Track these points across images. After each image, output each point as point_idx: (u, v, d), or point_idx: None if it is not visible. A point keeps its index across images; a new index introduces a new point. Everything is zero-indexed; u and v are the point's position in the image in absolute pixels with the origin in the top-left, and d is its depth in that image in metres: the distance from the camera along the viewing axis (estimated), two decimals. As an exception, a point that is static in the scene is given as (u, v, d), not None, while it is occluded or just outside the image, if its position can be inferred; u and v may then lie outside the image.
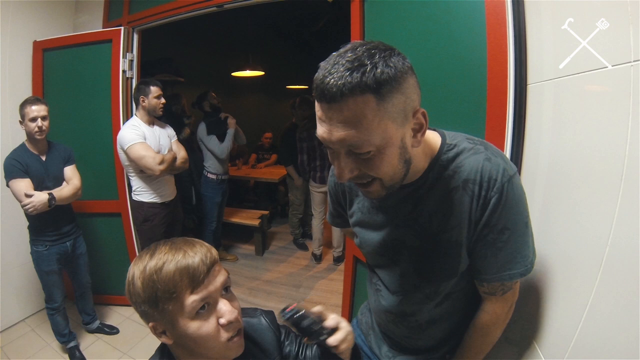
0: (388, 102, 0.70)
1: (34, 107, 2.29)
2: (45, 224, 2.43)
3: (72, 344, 2.71)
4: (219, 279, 0.80)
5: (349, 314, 2.47)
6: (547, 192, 1.14)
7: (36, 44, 3.05)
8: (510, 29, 1.38)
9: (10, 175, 2.27)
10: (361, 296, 2.33)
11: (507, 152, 1.44)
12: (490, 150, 0.89)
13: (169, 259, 0.76)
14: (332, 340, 0.85)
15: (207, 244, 0.83)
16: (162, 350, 0.88)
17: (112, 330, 3.03)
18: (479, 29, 1.46)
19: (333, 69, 0.69)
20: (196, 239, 0.84)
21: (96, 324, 2.99)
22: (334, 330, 0.88)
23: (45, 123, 2.35)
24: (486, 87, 1.47)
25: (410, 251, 1.00)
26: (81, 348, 2.77)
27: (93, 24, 3.21)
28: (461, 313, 1.09)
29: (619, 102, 0.74)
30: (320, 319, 0.89)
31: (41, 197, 2.26)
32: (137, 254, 2.85)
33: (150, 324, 0.79)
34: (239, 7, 2.65)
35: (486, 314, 1.02)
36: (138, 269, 0.77)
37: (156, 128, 2.84)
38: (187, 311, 0.75)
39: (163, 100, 2.75)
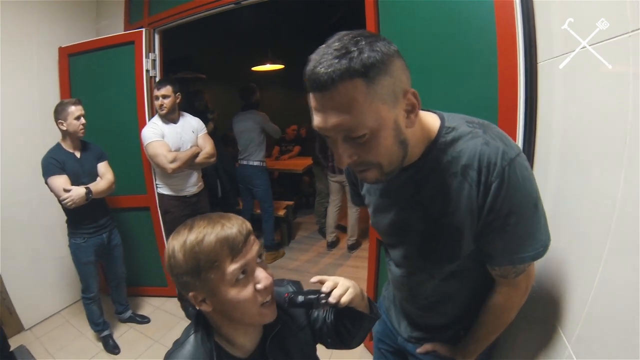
0: (377, 85, 0.72)
1: (78, 107, 2.47)
2: (83, 217, 2.56)
3: (105, 333, 2.84)
4: (255, 248, 0.85)
5: (374, 298, 2.50)
6: (561, 169, 1.15)
7: (62, 50, 3.18)
8: (518, 7, 1.41)
9: (48, 172, 2.40)
10: (385, 279, 2.37)
11: (520, 131, 1.46)
12: (490, 133, 0.88)
13: (209, 232, 0.80)
14: (331, 298, 0.87)
15: (241, 217, 0.87)
16: (198, 318, 0.94)
17: (144, 320, 3.17)
18: (487, 10, 1.50)
19: (322, 59, 0.71)
20: (230, 213, 0.89)
21: (128, 313, 3.13)
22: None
23: (85, 121, 2.51)
24: (497, 67, 1.50)
25: (416, 233, 1.02)
26: (114, 336, 2.90)
27: (114, 28, 3.33)
28: (472, 292, 1.10)
29: (623, 73, 0.76)
30: (314, 290, 0.92)
31: (79, 191, 2.41)
32: (166, 245, 2.97)
33: (191, 294, 0.83)
34: (256, 2, 2.73)
35: (499, 295, 1.03)
36: (178, 243, 0.81)
37: (179, 124, 2.93)
38: (227, 279, 0.80)
39: (160, 101, 2.80)
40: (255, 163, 4.18)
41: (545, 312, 1.11)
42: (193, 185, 3.06)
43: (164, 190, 2.99)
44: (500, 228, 0.88)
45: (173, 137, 2.84)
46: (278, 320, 0.94)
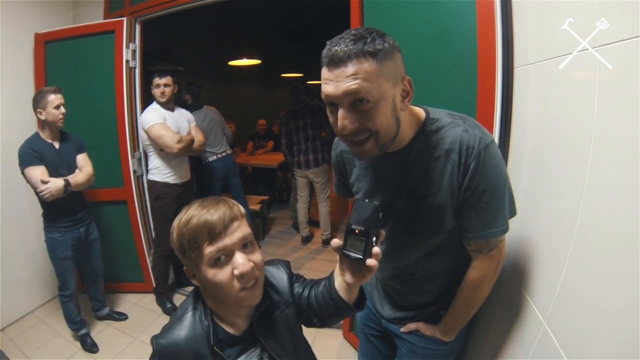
0: (383, 65, 0.86)
1: (58, 95, 2.40)
2: (60, 211, 2.49)
3: (83, 331, 2.76)
4: (237, 234, 0.89)
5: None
6: (532, 164, 1.27)
7: (38, 36, 3.07)
8: (499, 18, 1.51)
9: (25, 163, 2.32)
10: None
11: (497, 129, 1.57)
12: (468, 122, 1.02)
13: (196, 214, 0.88)
14: (375, 249, 0.86)
15: (231, 202, 0.94)
16: (197, 294, 1.01)
17: (121, 317, 3.10)
18: (470, 19, 1.59)
19: (339, 41, 0.86)
20: (226, 198, 0.95)
21: (106, 310, 3.05)
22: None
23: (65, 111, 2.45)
24: (477, 71, 1.61)
25: (400, 213, 1.13)
26: (92, 335, 2.82)
27: (92, 16, 3.24)
28: (453, 271, 1.21)
29: (589, 80, 0.86)
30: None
31: (57, 183, 2.33)
32: (143, 239, 2.96)
33: (185, 267, 0.94)
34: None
35: (475, 270, 1.14)
36: (177, 221, 0.91)
37: (176, 112, 3.04)
38: (205, 259, 0.87)
39: (162, 90, 2.91)
40: (230, 152, 4.26)
41: (519, 291, 1.20)
42: (186, 173, 3.16)
43: (157, 176, 3.00)
44: (475, 204, 1.02)
45: (172, 123, 2.92)
46: (266, 298, 1.00)
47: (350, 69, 0.84)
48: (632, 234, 0.69)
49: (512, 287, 1.24)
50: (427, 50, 1.76)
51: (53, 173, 2.39)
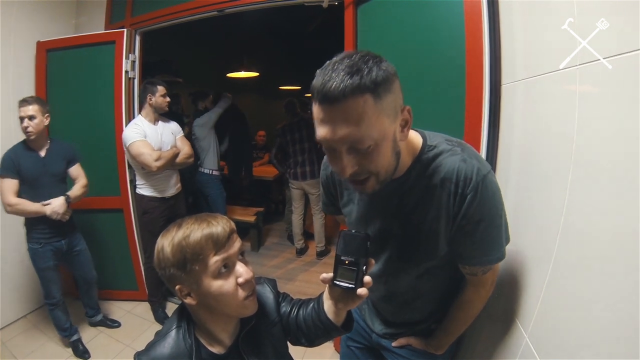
0: (383, 100, 0.78)
1: (21, 108, 2.37)
2: (38, 221, 2.48)
3: (74, 338, 2.76)
4: (237, 244, 0.93)
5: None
6: (519, 183, 1.29)
7: (40, 45, 3.12)
8: (486, 39, 1.54)
9: (2, 170, 2.34)
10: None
11: (484, 146, 1.59)
12: (467, 151, 0.98)
13: (196, 228, 0.88)
14: (366, 278, 0.89)
15: (226, 217, 0.96)
16: (181, 313, 1.01)
17: (114, 324, 3.09)
18: (459, 39, 1.62)
19: (333, 74, 0.76)
20: (217, 214, 0.97)
21: (99, 317, 3.05)
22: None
23: (32, 123, 2.37)
24: (465, 89, 1.63)
25: (395, 239, 1.11)
26: (84, 341, 2.82)
27: (93, 26, 3.29)
28: (443, 288, 1.22)
29: (571, 94, 0.88)
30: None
31: (58, 201, 2.40)
32: (138, 248, 2.92)
33: (177, 287, 0.90)
34: (239, 11, 2.77)
35: (469, 292, 1.15)
36: (167, 240, 0.89)
37: (159, 125, 2.95)
38: (210, 270, 0.87)
39: (168, 99, 2.91)
40: (205, 170, 4.15)
41: (505, 307, 1.22)
42: (173, 186, 3.08)
43: (145, 191, 2.96)
44: (471, 232, 0.99)
45: (155, 137, 2.85)
46: (252, 315, 1.00)
47: (348, 110, 0.76)
48: (610, 251, 0.72)
49: (499, 301, 1.26)
50: (416, 68, 1.79)
51: (33, 182, 2.40)
